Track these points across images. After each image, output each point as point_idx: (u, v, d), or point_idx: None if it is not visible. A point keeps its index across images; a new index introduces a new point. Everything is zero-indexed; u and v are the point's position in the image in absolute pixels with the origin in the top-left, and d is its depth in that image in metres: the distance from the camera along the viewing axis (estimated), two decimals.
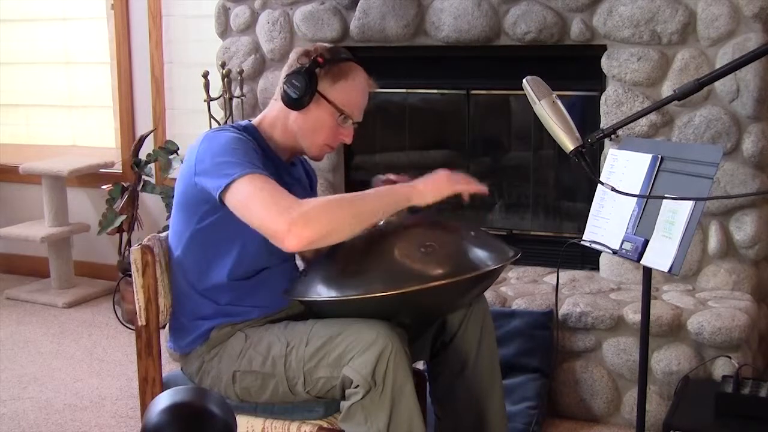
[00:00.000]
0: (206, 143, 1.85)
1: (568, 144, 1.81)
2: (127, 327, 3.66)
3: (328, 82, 1.91)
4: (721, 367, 2.58)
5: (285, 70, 1.95)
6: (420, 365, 2.21)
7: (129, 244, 3.82)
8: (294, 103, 1.90)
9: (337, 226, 1.73)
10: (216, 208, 1.83)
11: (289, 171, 2.03)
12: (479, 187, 1.92)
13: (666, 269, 1.83)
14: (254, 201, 1.72)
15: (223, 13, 3.47)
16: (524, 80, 1.88)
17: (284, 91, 1.90)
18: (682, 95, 1.77)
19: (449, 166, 3.44)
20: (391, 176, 2.08)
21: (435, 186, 1.86)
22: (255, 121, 2.01)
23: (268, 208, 1.71)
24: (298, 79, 1.88)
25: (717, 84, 2.71)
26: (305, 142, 1.97)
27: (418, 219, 1.93)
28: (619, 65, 2.86)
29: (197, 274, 1.94)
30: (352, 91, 1.94)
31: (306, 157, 2.07)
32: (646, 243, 1.89)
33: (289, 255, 2.02)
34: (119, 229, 3.81)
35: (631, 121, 1.87)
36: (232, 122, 3.19)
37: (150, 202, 4.14)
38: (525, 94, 1.88)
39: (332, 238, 1.75)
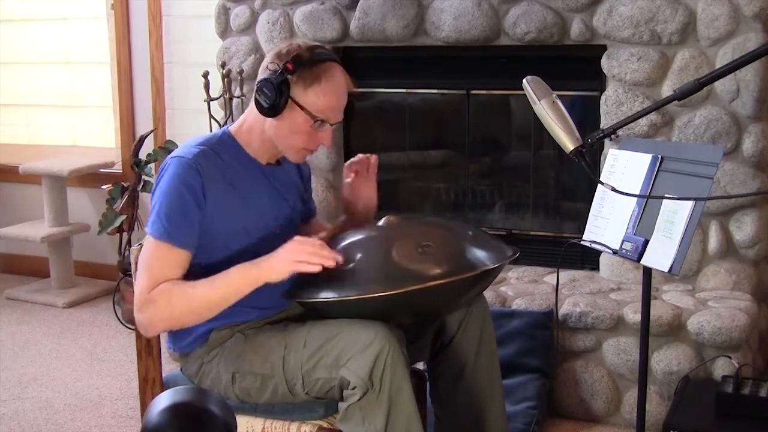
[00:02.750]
0: (166, 175, 1.87)
1: (568, 144, 1.81)
2: (127, 327, 3.65)
3: (301, 87, 1.85)
4: (721, 367, 2.58)
5: (259, 74, 1.90)
6: (420, 366, 2.21)
7: (129, 244, 3.82)
8: (266, 111, 1.86)
9: (189, 320, 1.86)
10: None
11: (272, 173, 2.00)
12: (328, 261, 1.78)
13: (666, 269, 1.83)
14: (141, 269, 1.84)
15: (223, 13, 3.47)
16: (524, 80, 1.88)
17: (256, 99, 1.87)
18: (682, 95, 1.77)
19: (449, 166, 3.47)
20: (360, 156, 2.12)
21: (284, 260, 1.79)
22: (233, 127, 1.98)
23: (137, 290, 1.83)
24: (268, 87, 1.84)
25: (717, 84, 2.71)
26: (282, 147, 1.94)
27: (417, 219, 1.93)
28: (619, 65, 2.86)
29: (192, 279, 1.93)
30: (326, 95, 1.87)
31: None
32: (646, 243, 1.89)
33: None
34: (119, 229, 3.81)
35: (631, 121, 1.87)
36: (232, 122, 3.19)
37: (150, 202, 4.13)
38: (525, 94, 1.88)
39: (181, 326, 1.89)
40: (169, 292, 1.80)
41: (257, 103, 1.87)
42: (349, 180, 2.14)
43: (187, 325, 1.88)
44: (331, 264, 1.78)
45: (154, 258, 1.83)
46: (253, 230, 1.93)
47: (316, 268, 1.78)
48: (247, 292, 1.82)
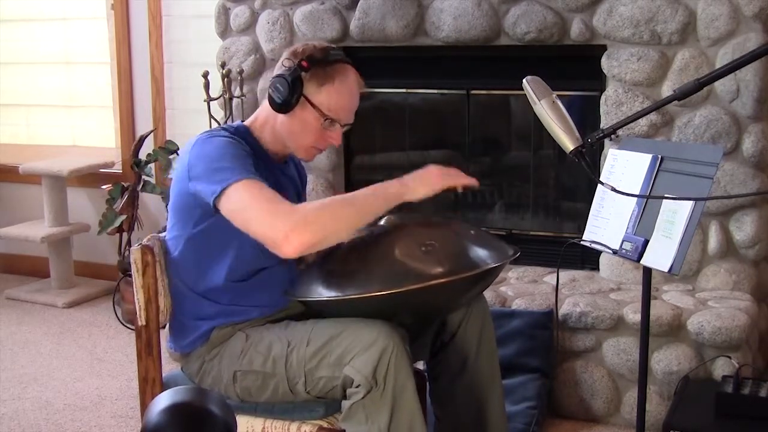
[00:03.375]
0: (199, 147, 1.84)
1: (568, 144, 1.81)
2: (127, 327, 3.66)
3: (314, 86, 1.88)
4: (721, 367, 2.58)
5: (275, 70, 1.94)
6: (420, 365, 2.21)
7: (129, 244, 3.83)
8: (278, 107, 1.88)
9: (334, 228, 1.74)
10: (209, 214, 1.83)
11: (282, 170, 2.02)
12: (470, 180, 1.92)
13: (666, 269, 1.83)
14: (250, 208, 1.73)
15: (223, 13, 3.47)
16: (524, 80, 1.88)
17: (269, 94, 1.89)
18: (682, 95, 1.77)
19: (449, 165, 3.46)
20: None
21: (426, 181, 1.87)
22: (247, 122, 2.01)
23: (265, 214, 1.71)
24: (282, 84, 1.86)
25: (717, 84, 2.71)
26: (292, 144, 1.96)
27: (418, 218, 1.93)
28: (619, 65, 2.86)
29: (195, 277, 1.94)
30: (338, 95, 1.90)
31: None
32: (646, 243, 1.89)
33: None
34: (119, 229, 3.81)
35: (631, 121, 1.87)
36: (232, 122, 3.19)
37: (150, 202, 4.14)
38: (525, 94, 1.88)
39: (330, 240, 1.76)
40: (310, 204, 1.75)
41: (270, 99, 1.89)
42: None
43: (331, 238, 1.75)
44: (475, 183, 1.91)
45: (258, 195, 1.72)
46: None
47: (465, 182, 1.89)
48: (384, 209, 1.82)
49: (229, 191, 1.74)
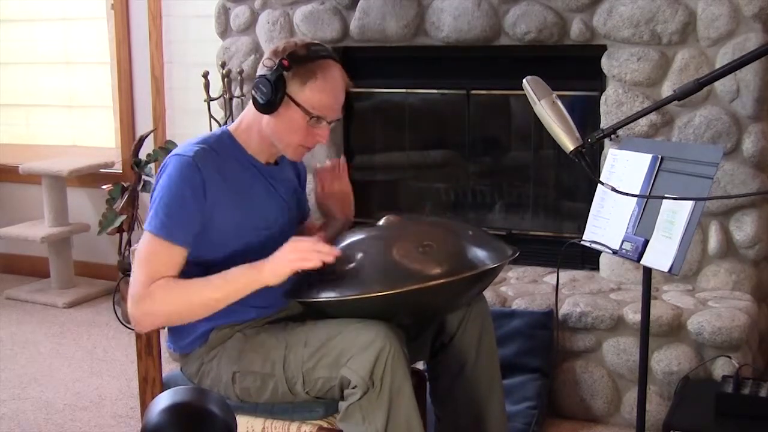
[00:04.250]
0: (166, 174, 1.86)
1: (568, 144, 1.81)
2: (127, 327, 3.65)
3: (297, 84, 1.85)
4: (721, 367, 2.58)
5: (257, 71, 1.92)
6: (420, 365, 2.21)
7: (129, 244, 3.82)
8: (263, 108, 1.87)
9: (181, 319, 1.87)
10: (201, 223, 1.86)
11: (272, 172, 2.01)
12: (327, 257, 1.78)
13: (666, 269, 1.83)
14: (137, 264, 1.83)
15: (223, 13, 3.47)
16: (524, 80, 1.88)
17: (252, 95, 1.87)
18: (682, 95, 1.77)
19: (449, 166, 3.47)
20: (327, 163, 2.18)
21: (281, 262, 1.80)
22: (232, 126, 1.99)
23: (133, 283, 1.82)
24: (264, 84, 1.84)
25: (717, 84, 2.71)
26: (280, 144, 1.94)
27: (417, 218, 1.93)
28: (619, 65, 2.86)
29: (193, 277, 1.93)
30: (322, 91, 1.87)
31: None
32: (646, 243, 1.89)
33: None
34: (119, 229, 3.81)
35: (631, 121, 1.87)
36: (232, 121, 3.19)
37: (149, 200, 4.13)
38: (525, 94, 1.88)
39: (176, 323, 1.91)
40: (167, 288, 1.80)
41: (254, 100, 1.88)
42: (320, 189, 2.17)
43: (182, 322, 1.89)
44: (329, 259, 1.78)
45: (152, 253, 1.83)
46: (253, 229, 1.93)
47: (316, 264, 1.77)
48: (245, 294, 1.82)
49: (146, 233, 1.84)
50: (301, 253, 1.79)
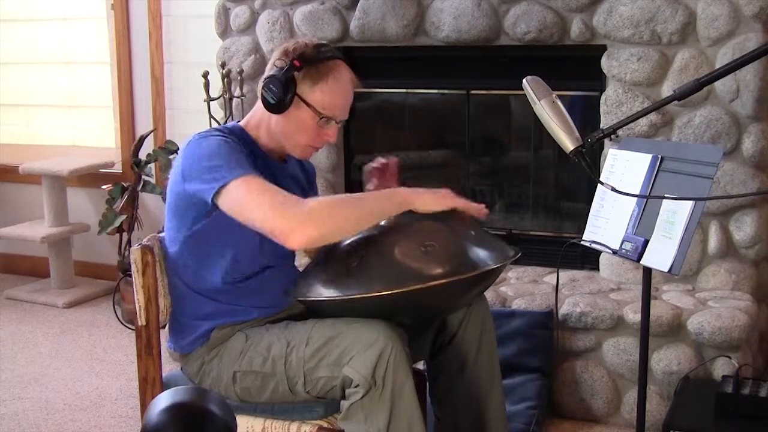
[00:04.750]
0: (193, 147, 1.84)
1: (568, 144, 1.81)
2: (127, 327, 3.66)
3: (307, 84, 1.87)
4: (721, 367, 2.58)
5: (266, 71, 1.93)
6: (420, 365, 2.21)
7: (129, 244, 3.82)
8: (272, 108, 1.88)
9: (339, 225, 1.76)
10: (206, 213, 1.84)
11: (282, 169, 2.02)
12: (479, 207, 1.93)
13: (666, 269, 1.83)
14: (253, 201, 1.73)
15: (223, 13, 3.47)
16: (524, 80, 1.88)
17: (262, 95, 1.88)
18: (682, 95, 1.77)
19: (449, 166, 3.47)
20: (381, 159, 2.13)
21: (438, 196, 1.87)
22: (242, 122, 2.00)
23: (268, 207, 1.71)
24: (275, 84, 1.85)
25: (717, 84, 2.71)
26: (288, 143, 1.95)
27: (419, 218, 1.93)
28: (619, 65, 2.86)
29: (193, 277, 1.94)
30: (332, 92, 1.89)
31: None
32: (646, 243, 1.89)
33: (287, 255, 2.02)
34: (119, 229, 3.81)
35: (631, 121, 1.87)
36: (232, 120, 3.19)
37: (150, 202, 4.14)
38: (525, 94, 1.88)
39: (334, 236, 1.78)
40: (321, 200, 1.78)
41: (264, 100, 1.88)
42: (370, 186, 2.14)
43: (337, 229, 1.77)
44: (484, 213, 1.92)
45: (259, 189, 1.74)
46: None
47: (476, 208, 1.91)
48: (392, 213, 1.84)
49: (229, 188, 1.74)
50: (461, 199, 1.88)
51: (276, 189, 1.75)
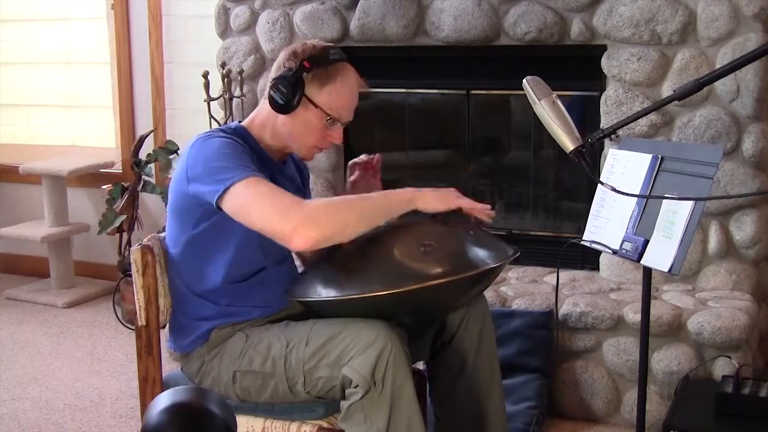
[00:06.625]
0: (197, 148, 1.84)
1: (568, 144, 1.81)
2: (127, 327, 3.66)
3: (316, 86, 1.88)
4: (721, 367, 2.58)
5: (273, 71, 1.93)
6: (420, 365, 2.21)
7: (129, 244, 3.82)
8: (280, 108, 1.88)
9: (342, 226, 1.75)
10: (209, 214, 1.83)
11: (282, 170, 2.02)
12: (484, 208, 1.93)
13: (666, 269, 1.83)
14: (256, 204, 1.73)
15: (223, 13, 3.47)
16: (524, 80, 1.88)
17: (270, 95, 1.89)
18: (682, 95, 1.77)
19: (449, 166, 3.47)
20: (363, 157, 2.16)
21: (442, 196, 1.88)
22: (245, 122, 2.00)
23: (272, 209, 1.71)
24: (284, 84, 1.86)
25: (717, 84, 2.71)
26: (294, 144, 1.96)
27: (418, 218, 1.93)
28: (619, 65, 2.86)
29: (194, 278, 1.94)
30: (340, 94, 1.91)
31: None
32: (646, 243, 1.89)
33: (287, 256, 2.03)
34: (119, 229, 3.81)
35: (631, 121, 1.87)
36: (232, 122, 3.19)
37: (150, 202, 4.14)
38: (525, 94, 1.88)
39: (337, 238, 1.77)
40: (323, 202, 1.78)
41: (271, 100, 1.89)
42: (352, 179, 2.16)
43: (340, 229, 1.75)
44: (489, 215, 1.92)
45: (263, 191, 1.74)
46: None
47: (481, 208, 1.91)
48: (395, 214, 1.84)
49: (233, 190, 1.74)
50: (456, 198, 1.88)
51: (279, 191, 1.75)
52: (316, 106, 1.89)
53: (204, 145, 1.84)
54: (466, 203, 1.91)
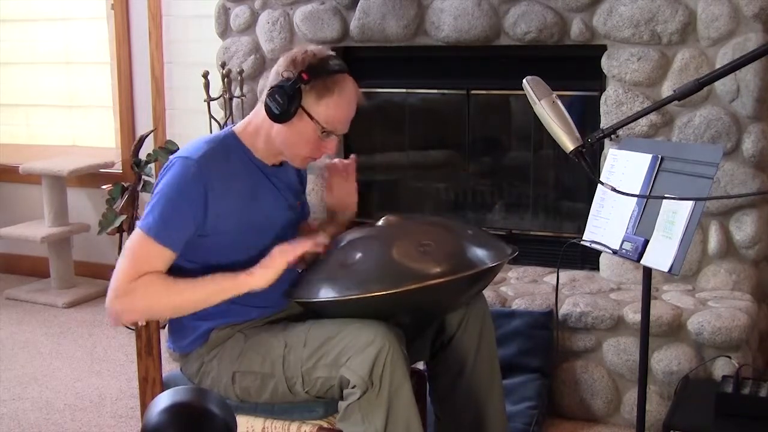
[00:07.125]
0: (168, 172, 1.87)
1: (568, 144, 1.81)
2: (127, 327, 3.65)
3: (313, 98, 1.86)
4: (721, 367, 2.58)
5: (271, 78, 1.91)
6: (420, 365, 2.21)
7: None
8: (276, 117, 1.87)
9: (158, 315, 1.91)
10: (198, 231, 1.86)
11: (276, 174, 2.01)
12: (313, 244, 1.90)
13: (666, 269, 1.83)
14: (123, 257, 1.83)
15: (223, 13, 3.47)
16: (524, 80, 1.88)
17: (267, 104, 1.87)
18: (682, 95, 1.77)
19: (449, 166, 3.47)
20: (337, 161, 2.17)
21: (268, 265, 1.85)
22: (238, 127, 1.98)
23: (121, 275, 1.81)
24: (281, 94, 1.84)
25: (717, 84, 2.71)
26: (288, 153, 1.95)
27: (416, 218, 1.93)
28: (619, 65, 2.86)
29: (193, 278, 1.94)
30: (337, 107, 1.88)
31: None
32: (646, 243, 1.89)
33: None
34: (119, 229, 3.81)
35: (631, 121, 1.87)
36: (232, 122, 3.19)
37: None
38: (525, 94, 1.88)
39: (154, 318, 1.93)
40: (152, 284, 1.81)
41: (267, 109, 1.87)
42: (328, 183, 2.18)
43: (161, 318, 1.93)
44: (317, 248, 1.89)
45: (139, 251, 1.83)
46: (257, 231, 1.93)
47: (304, 249, 1.87)
48: (229, 296, 1.85)
49: (136, 229, 1.83)
50: (290, 247, 1.86)
51: (144, 264, 1.81)
52: (312, 118, 1.87)
53: (172, 172, 1.86)
54: (297, 248, 1.87)
